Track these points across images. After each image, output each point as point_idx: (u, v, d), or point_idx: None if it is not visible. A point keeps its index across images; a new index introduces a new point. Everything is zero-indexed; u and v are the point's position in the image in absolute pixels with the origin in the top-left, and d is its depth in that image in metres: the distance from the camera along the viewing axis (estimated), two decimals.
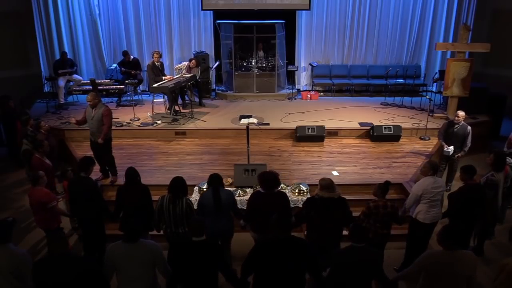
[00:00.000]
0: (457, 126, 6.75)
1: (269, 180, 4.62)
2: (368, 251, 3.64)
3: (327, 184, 4.44)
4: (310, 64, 11.54)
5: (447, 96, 9.14)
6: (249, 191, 6.07)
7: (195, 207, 4.84)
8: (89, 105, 6.24)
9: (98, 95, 6.48)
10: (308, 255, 3.56)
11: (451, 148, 6.77)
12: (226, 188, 5.07)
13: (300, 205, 5.66)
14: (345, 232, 4.38)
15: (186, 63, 10.12)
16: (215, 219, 4.63)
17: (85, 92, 9.55)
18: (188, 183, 4.87)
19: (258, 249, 3.58)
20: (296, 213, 4.91)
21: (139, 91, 10.87)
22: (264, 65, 11.05)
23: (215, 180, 4.73)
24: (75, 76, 10.43)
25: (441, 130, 7.04)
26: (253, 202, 4.65)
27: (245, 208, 5.13)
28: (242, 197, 5.78)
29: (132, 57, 10.53)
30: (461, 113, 6.75)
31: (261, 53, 11.17)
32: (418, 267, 3.70)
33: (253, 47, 10.96)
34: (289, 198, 5.01)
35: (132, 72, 10.29)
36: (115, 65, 10.73)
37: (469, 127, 6.76)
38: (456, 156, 6.82)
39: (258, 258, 3.54)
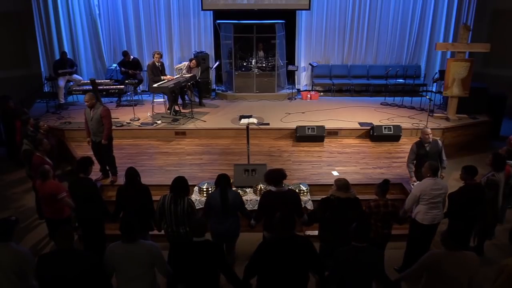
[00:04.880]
0: (427, 144, 5.98)
1: (276, 174, 4.61)
2: (368, 251, 3.63)
3: (343, 184, 4.41)
4: (310, 64, 11.53)
5: (447, 96, 9.14)
6: (249, 191, 6.07)
7: (202, 207, 4.82)
8: (87, 106, 6.26)
9: (96, 95, 6.49)
10: (311, 253, 3.56)
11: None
12: (233, 189, 5.05)
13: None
14: None
15: (186, 63, 10.12)
16: (221, 220, 4.64)
17: (85, 92, 9.48)
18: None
19: (261, 250, 3.58)
20: (309, 213, 4.90)
21: (139, 91, 10.87)
22: (264, 65, 11.04)
23: (223, 181, 4.72)
24: (75, 76, 10.42)
25: (410, 156, 6.09)
26: (264, 201, 4.63)
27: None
28: (242, 197, 5.76)
29: (132, 57, 10.53)
30: (430, 130, 6.04)
31: (261, 53, 11.16)
32: (421, 267, 3.70)
33: (253, 47, 10.96)
34: None
35: (132, 72, 10.28)
36: (115, 65, 10.73)
37: (440, 142, 6.12)
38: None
39: (262, 258, 3.53)
